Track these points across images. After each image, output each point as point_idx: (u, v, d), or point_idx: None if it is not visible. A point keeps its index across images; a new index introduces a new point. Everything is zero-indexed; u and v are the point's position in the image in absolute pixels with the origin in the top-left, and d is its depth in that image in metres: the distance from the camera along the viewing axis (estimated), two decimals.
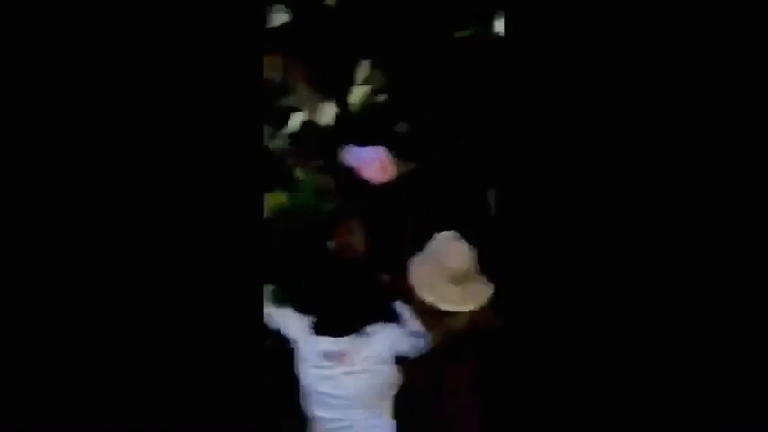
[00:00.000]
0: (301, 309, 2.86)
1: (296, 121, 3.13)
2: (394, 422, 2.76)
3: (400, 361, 2.75)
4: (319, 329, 2.79)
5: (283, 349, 2.86)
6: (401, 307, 2.82)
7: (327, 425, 2.76)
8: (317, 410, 2.78)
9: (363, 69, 3.17)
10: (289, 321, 2.91)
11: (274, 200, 2.73)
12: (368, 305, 2.80)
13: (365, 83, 3.14)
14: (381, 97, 3.14)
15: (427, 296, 2.81)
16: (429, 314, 2.86)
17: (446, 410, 3.01)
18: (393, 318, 2.81)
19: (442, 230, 2.90)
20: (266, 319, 2.95)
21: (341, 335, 2.77)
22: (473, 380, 3.01)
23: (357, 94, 3.19)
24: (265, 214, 2.70)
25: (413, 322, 2.79)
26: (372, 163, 3.09)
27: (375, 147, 3.12)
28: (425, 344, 2.77)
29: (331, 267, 2.84)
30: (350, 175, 3.12)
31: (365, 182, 3.12)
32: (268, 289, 2.97)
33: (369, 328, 2.78)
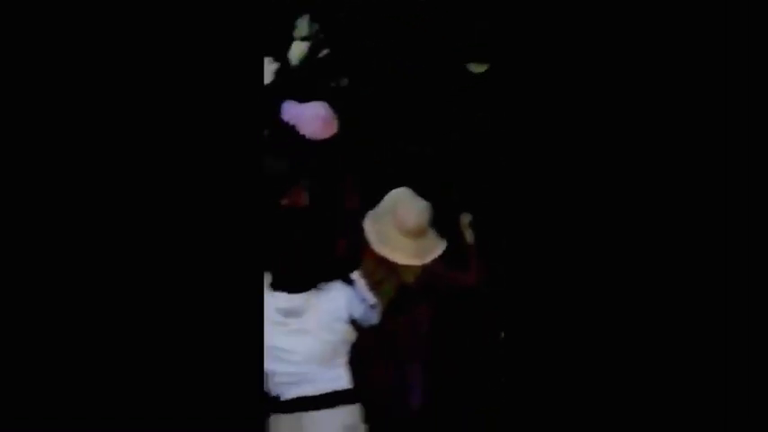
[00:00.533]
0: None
1: None
2: (349, 373, 2.77)
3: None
4: (276, 285, 2.79)
5: None
6: (355, 276, 2.85)
7: (283, 378, 2.74)
8: (272, 365, 2.77)
9: (303, 24, 3.16)
10: None
11: None
12: (322, 263, 2.82)
13: (305, 38, 3.13)
14: (322, 52, 3.14)
15: (382, 249, 2.86)
16: (384, 267, 2.93)
17: (395, 374, 3.11)
18: (347, 282, 2.84)
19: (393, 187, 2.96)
20: None
21: (296, 291, 2.77)
22: (424, 342, 3.12)
23: (297, 50, 3.19)
24: None
25: (366, 292, 2.82)
26: (313, 119, 3.07)
27: (316, 102, 3.09)
28: (376, 316, 2.81)
29: (285, 224, 2.84)
30: (290, 131, 3.11)
31: (305, 139, 3.11)
32: None
33: (324, 286, 2.79)
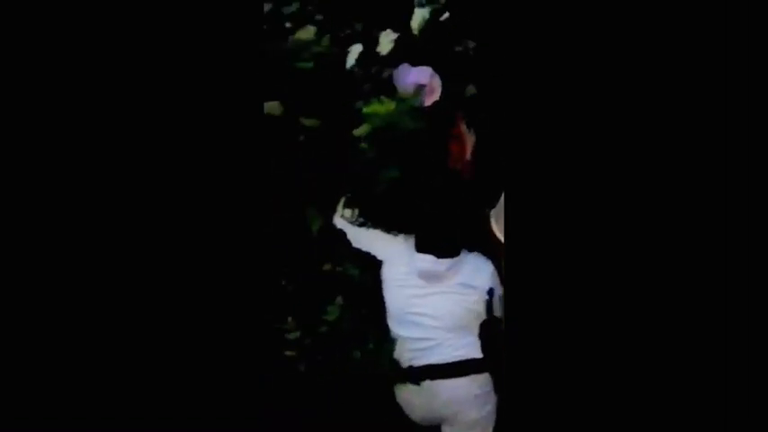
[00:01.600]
0: (400, 227, 2.90)
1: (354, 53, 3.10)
2: (479, 341, 2.79)
3: None
4: (422, 247, 2.82)
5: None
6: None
7: (414, 344, 2.79)
8: (403, 331, 2.82)
9: None
10: (377, 241, 2.97)
11: (373, 116, 2.70)
12: (472, 229, 2.84)
13: (426, 3, 3.09)
14: (444, 16, 3.09)
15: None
16: None
17: None
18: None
19: None
20: (353, 243, 3.02)
21: (444, 256, 2.80)
22: None
23: (418, 16, 3.16)
24: (359, 132, 2.73)
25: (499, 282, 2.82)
26: (428, 84, 3.03)
27: (421, 68, 3.06)
28: (500, 310, 2.79)
29: (441, 186, 2.85)
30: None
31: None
32: (347, 211, 3.03)
33: (468, 254, 2.82)
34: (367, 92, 2.86)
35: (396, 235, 2.97)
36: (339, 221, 3.08)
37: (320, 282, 2.98)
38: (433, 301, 2.79)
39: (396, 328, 2.85)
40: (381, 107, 2.66)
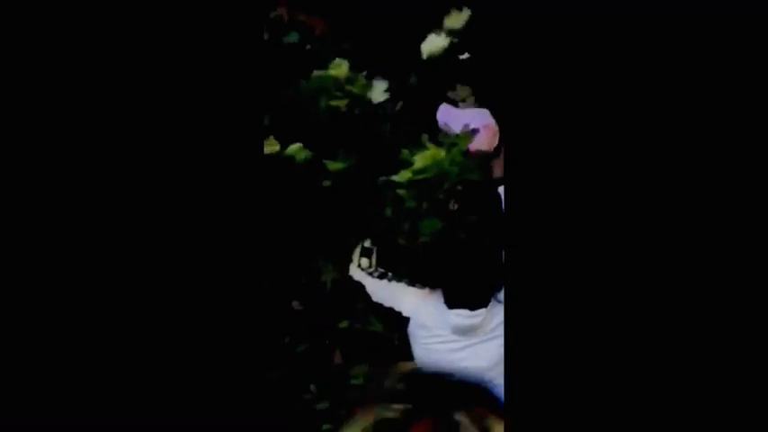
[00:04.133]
0: (426, 282, 2.66)
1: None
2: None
3: None
4: (453, 302, 2.60)
5: None
6: None
7: None
8: None
9: (458, 17, 2.86)
10: (403, 295, 2.72)
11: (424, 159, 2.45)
12: (498, 271, 2.63)
13: (450, 32, 2.86)
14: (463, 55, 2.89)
15: None
16: None
17: None
18: None
19: None
20: (373, 297, 2.76)
21: (478, 307, 2.58)
22: None
23: (432, 43, 2.91)
24: (400, 178, 2.47)
25: None
26: (482, 130, 2.78)
27: (479, 110, 2.85)
28: None
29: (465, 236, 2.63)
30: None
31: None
32: (364, 261, 2.76)
33: (499, 295, 2.62)
34: (400, 134, 2.62)
35: (420, 288, 2.74)
36: (356, 272, 2.82)
37: (338, 341, 2.72)
38: (475, 353, 2.60)
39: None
40: (430, 153, 2.42)
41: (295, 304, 2.86)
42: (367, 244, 2.81)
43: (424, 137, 2.69)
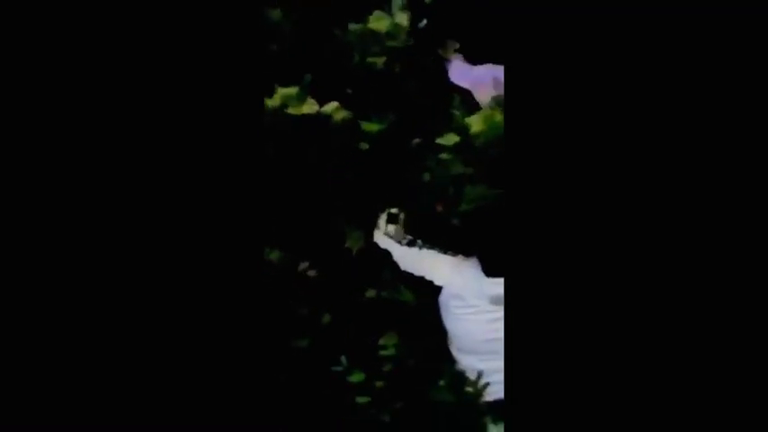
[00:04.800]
0: (460, 249, 2.55)
1: None
2: None
3: None
4: (492, 270, 2.50)
5: None
6: None
7: (499, 376, 2.49)
8: (482, 363, 2.52)
9: None
10: (434, 263, 2.60)
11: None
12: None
13: None
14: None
15: None
16: None
17: None
18: None
19: None
20: (402, 265, 2.64)
21: None
22: None
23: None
24: (449, 141, 2.34)
25: None
26: (495, 85, 2.64)
27: (492, 66, 2.70)
28: None
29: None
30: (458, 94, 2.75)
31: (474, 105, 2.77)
32: (391, 228, 2.64)
33: None
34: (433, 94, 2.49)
35: (453, 255, 2.63)
36: (383, 240, 2.69)
37: (366, 310, 2.59)
38: None
39: (471, 360, 2.53)
40: (487, 115, 2.29)
41: (311, 272, 2.70)
42: (394, 210, 2.70)
43: (456, 98, 2.58)
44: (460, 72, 2.70)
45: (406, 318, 2.60)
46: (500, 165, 2.38)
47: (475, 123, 2.29)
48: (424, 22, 2.56)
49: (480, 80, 2.66)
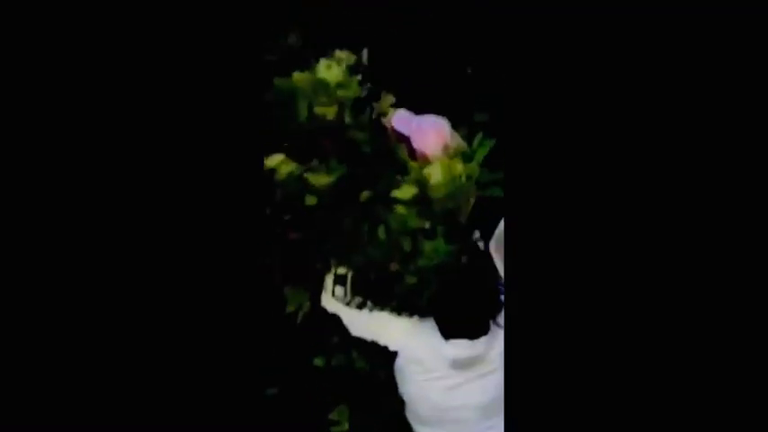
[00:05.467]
0: (415, 311, 2.35)
1: None
2: None
3: None
4: (450, 332, 2.30)
5: None
6: None
7: None
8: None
9: None
10: (388, 326, 2.39)
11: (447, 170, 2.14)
12: (498, 292, 2.36)
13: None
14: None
15: None
16: None
17: None
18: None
19: None
20: (352, 330, 2.43)
21: (479, 335, 2.29)
22: None
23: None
24: (405, 194, 2.16)
25: None
26: (435, 134, 2.51)
27: (433, 116, 2.59)
28: None
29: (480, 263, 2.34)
30: (401, 143, 2.60)
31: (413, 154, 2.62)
32: (339, 290, 2.43)
33: (499, 319, 2.33)
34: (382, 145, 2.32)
35: (407, 317, 2.44)
36: (330, 303, 2.48)
37: (315, 381, 2.36)
38: (474, 390, 2.31)
39: (430, 427, 2.33)
40: (445, 165, 2.12)
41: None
42: (341, 271, 2.49)
43: (401, 148, 2.42)
44: (402, 120, 2.57)
45: (358, 387, 2.39)
46: (458, 218, 2.24)
47: (434, 173, 2.12)
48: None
49: (421, 128, 2.54)
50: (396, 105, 2.58)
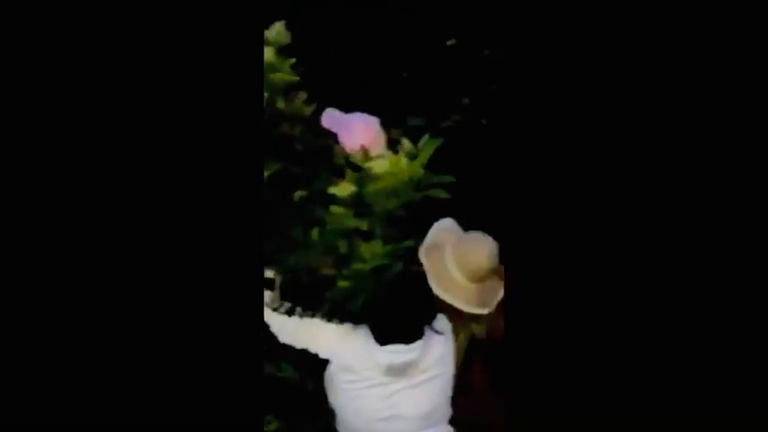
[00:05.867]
0: (346, 316, 2.24)
1: None
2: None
3: None
4: (384, 337, 2.20)
5: None
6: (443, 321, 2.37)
7: None
8: None
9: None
10: (319, 333, 2.27)
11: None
12: (428, 295, 2.28)
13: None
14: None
15: (447, 295, 2.34)
16: (450, 314, 2.42)
17: (476, 408, 2.55)
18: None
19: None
20: (280, 337, 2.30)
21: (414, 339, 2.20)
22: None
23: None
24: (343, 191, 2.04)
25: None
26: (363, 131, 2.40)
27: (363, 114, 2.49)
28: None
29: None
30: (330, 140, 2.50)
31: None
32: (268, 295, 2.29)
33: (436, 324, 2.27)
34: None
35: (338, 323, 2.32)
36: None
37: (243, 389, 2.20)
38: (408, 398, 2.21)
39: None
40: (390, 162, 2.02)
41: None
42: (269, 274, 2.36)
43: (337, 147, 2.32)
44: (332, 118, 2.48)
45: (287, 399, 2.25)
46: (399, 218, 2.15)
47: (377, 166, 2.01)
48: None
49: (349, 124, 2.45)
50: (327, 105, 2.50)
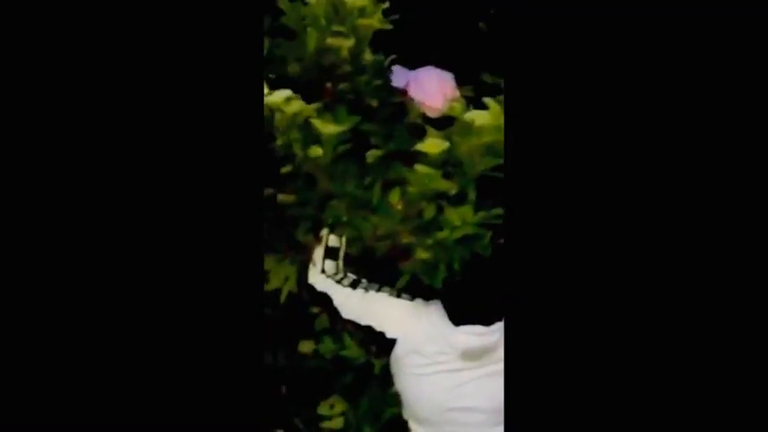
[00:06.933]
0: (419, 291, 2.02)
1: None
2: None
3: None
4: (462, 318, 1.99)
5: None
6: None
7: None
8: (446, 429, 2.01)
9: None
10: (387, 309, 2.07)
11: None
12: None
13: None
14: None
15: None
16: None
17: None
18: None
19: None
20: (343, 312, 2.08)
21: (493, 320, 1.99)
22: None
23: None
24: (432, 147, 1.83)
25: None
26: (440, 89, 2.17)
27: (434, 68, 2.27)
28: None
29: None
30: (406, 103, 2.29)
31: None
32: (330, 265, 2.07)
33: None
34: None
35: (409, 299, 2.11)
36: (319, 280, 2.13)
37: (302, 370, 1.99)
38: (483, 388, 2.01)
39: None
40: (490, 114, 1.79)
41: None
42: (333, 242, 2.14)
43: (412, 103, 2.10)
44: (400, 76, 2.26)
45: (349, 379, 2.04)
46: (491, 181, 1.93)
47: (480, 118, 1.77)
48: None
49: (420, 78, 2.21)
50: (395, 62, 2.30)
